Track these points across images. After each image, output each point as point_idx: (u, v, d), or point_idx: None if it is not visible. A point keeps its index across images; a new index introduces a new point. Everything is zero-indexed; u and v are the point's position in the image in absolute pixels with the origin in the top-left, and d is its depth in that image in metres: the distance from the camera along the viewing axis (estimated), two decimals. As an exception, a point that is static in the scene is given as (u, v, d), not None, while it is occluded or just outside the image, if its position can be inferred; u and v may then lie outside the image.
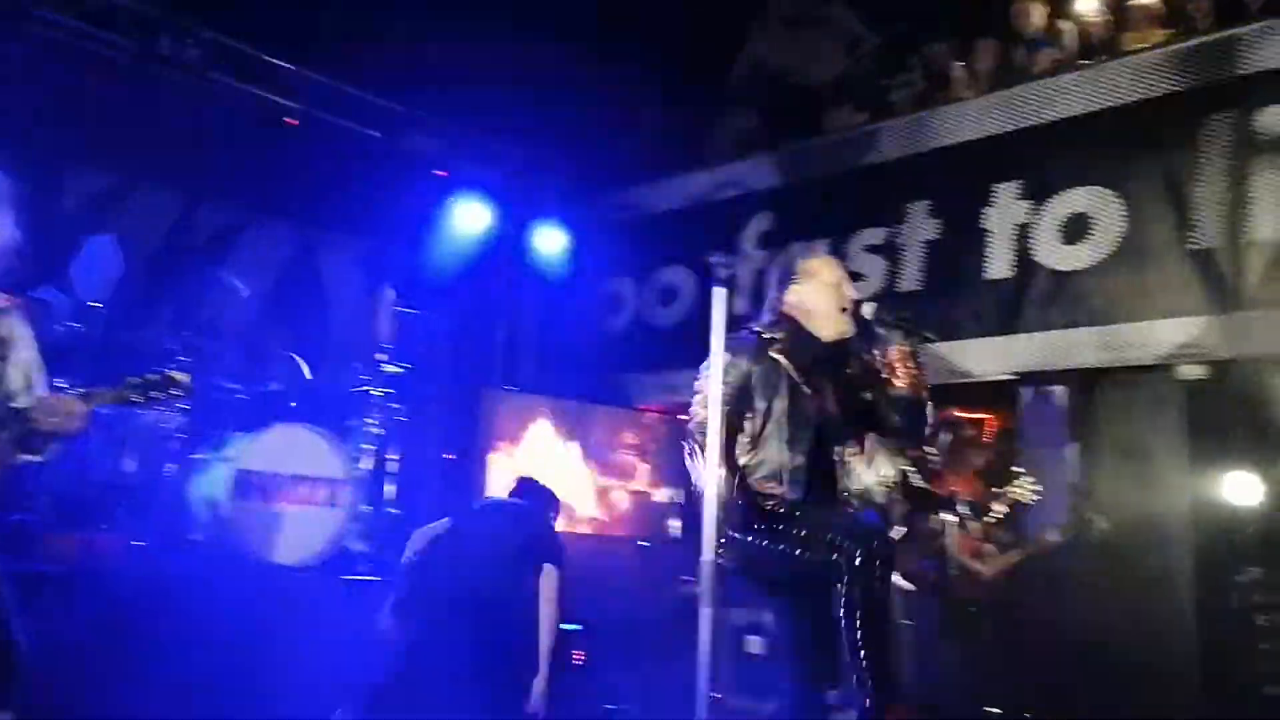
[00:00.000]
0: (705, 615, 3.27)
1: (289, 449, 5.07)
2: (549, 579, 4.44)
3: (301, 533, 5.04)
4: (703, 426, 3.09)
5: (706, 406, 3.07)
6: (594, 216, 7.31)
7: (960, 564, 4.79)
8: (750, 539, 3.20)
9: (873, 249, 5.95)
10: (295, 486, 5.05)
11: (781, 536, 3.16)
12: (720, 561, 2.93)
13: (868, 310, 3.31)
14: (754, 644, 5.27)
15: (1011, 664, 5.12)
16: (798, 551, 3.14)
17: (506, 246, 7.24)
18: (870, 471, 4.59)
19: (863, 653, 2.99)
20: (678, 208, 6.99)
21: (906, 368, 3.25)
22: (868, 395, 3.36)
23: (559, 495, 5.12)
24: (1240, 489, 4.83)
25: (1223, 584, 4.89)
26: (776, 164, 6.57)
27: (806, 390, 3.27)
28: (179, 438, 5.00)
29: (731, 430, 3.21)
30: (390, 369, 5.69)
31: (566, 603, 5.96)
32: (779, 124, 7.22)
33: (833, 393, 3.33)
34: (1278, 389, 4.72)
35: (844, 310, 3.33)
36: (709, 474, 3.41)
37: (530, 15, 6.91)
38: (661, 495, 6.76)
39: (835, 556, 3.06)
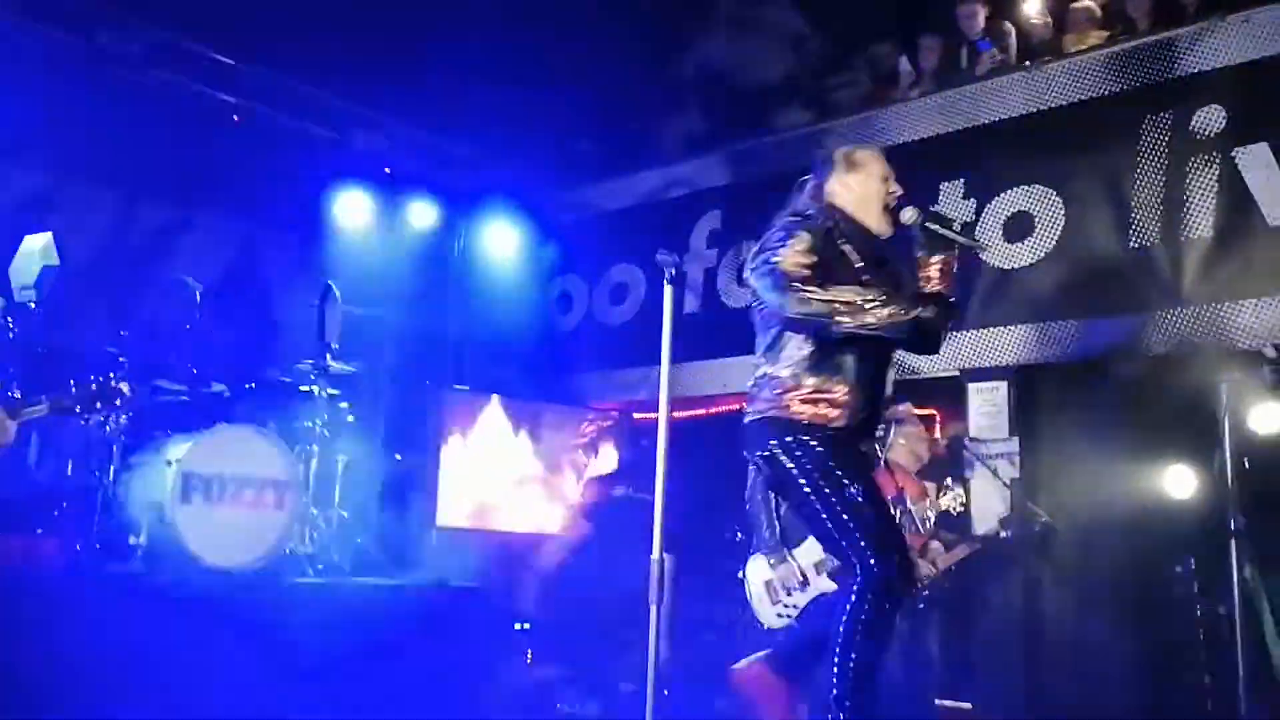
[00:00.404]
0: (654, 611, 3.30)
1: (233, 451, 4.98)
2: None
3: (247, 536, 4.95)
4: (800, 273, 2.92)
5: (802, 252, 2.94)
6: (544, 215, 7.30)
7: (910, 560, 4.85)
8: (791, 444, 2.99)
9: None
10: (240, 489, 4.97)
11: (818, 468, 2.95)
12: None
13: (909, 215, 3.16)
14: (704, 639, 5.29)
15: (959, 658, 5.20)
16: (822, 504, 2.95)
17: (456, 245, 7.20)
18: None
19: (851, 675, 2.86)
20: (628, 206, 7.00)
21: (945, 274, 3.16)
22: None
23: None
24: (1176, 481, 4.94)
25: (1162, 575, 5.00)
26: (725, 163, 6.61)
27: (868, 280, 3.06)
28: (120, 440, 4.89)
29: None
30: (337, 368, 5.62)
31: (516, 601, 5.96)
32: (727, 123, 7.26)
33: (887, 285, 3.12)
34: (1211, 383, 4.84)
35: (888, 208, 3.18)
36: (659, 468, 3.43)
37: (479, 14, 6.88)
38: (612, 494, 6.76)
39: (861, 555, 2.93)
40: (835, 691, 2.84)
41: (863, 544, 2.88)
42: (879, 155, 3.26)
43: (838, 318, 2.93)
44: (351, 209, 6.76)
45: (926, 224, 3.13)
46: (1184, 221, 4.82)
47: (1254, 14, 4.73)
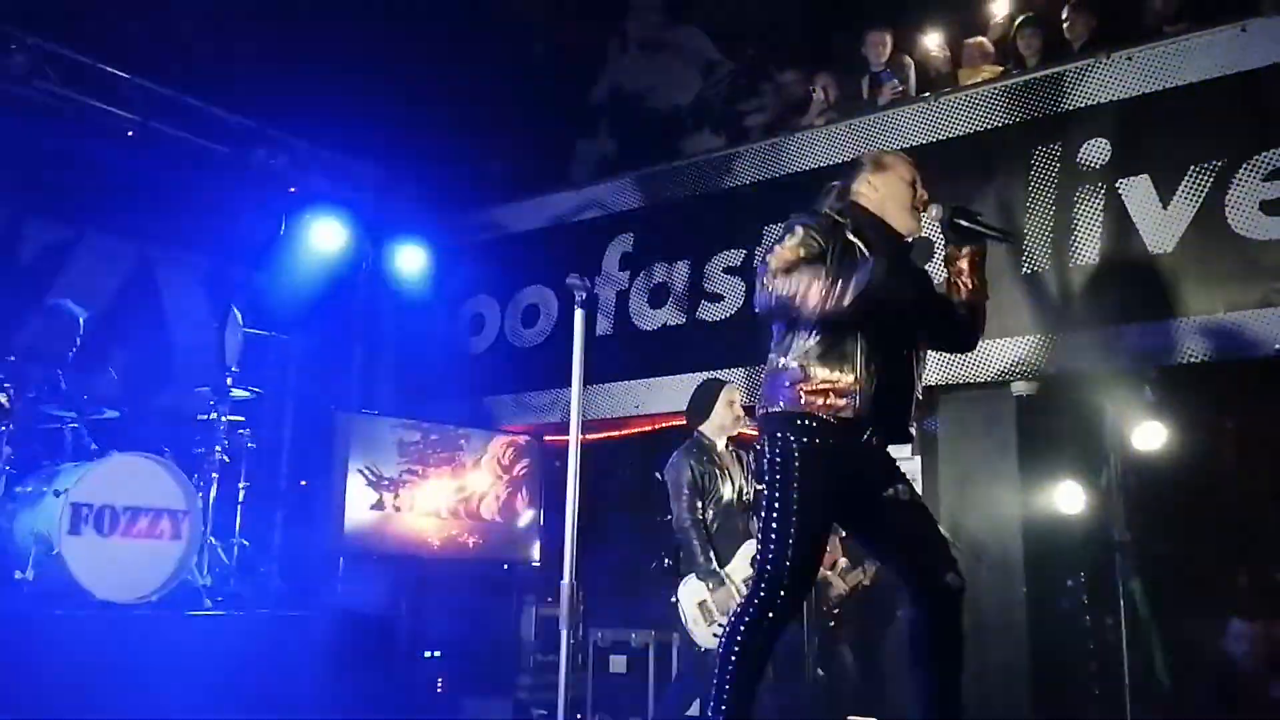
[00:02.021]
0: (565, 636, 3.29)
1: (126, 479, 4.81)
2: None
3: (141, 568, 4.78)
4: (781, 265, 2.89)
5: (793, 246, 2.91)
6: (455, 236, 7.24)
7: (820, 578, 4.94)
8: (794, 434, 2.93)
9: (731, 270, 6.10)
10: (134, 519, 4.79)
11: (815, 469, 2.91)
12: None
13: (934, 212, 3.15)
14: (618, 664, 5.29)
15: (870, 673, 5.31)
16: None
17: (364, 266, 7.08)
18: (729, 486, 4.67)
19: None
20: (540, 228, 7.00)
21: (975, 268, 3.15)
22: (937, 293, 3.19)
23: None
24: (1067, 498, 5.15)
25: (1052, 588, 5.20)
26: (636, 186, 6.66)
27: (883, 275, 2.96)
28: (4, 471, 4.66)
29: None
30: (238, 393, 5.47)
31: (427, 629, 5.87)
32: (638, 147, 7.33)
33: (910, 287, 3.10)
34: (1098, 403, 5.07)
35: (915, 209, 3.15)
36: (570, 493, 3.42)
37: (389, 32, 6.82)
38: (524, 518, 6.72)
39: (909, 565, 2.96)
40: (716, 682, 2.92)
41: (782, 567, 2.89)
42: (907, 160, 3.26)
43: (798, 302, 2.90)
44: (253, 229, 6.59)
45: (954, 219, 3.15)
46: (1072, 248, 5.03)
47: (1135, 52, 4.99)
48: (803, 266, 2.92)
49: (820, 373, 2.95)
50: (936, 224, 3.24)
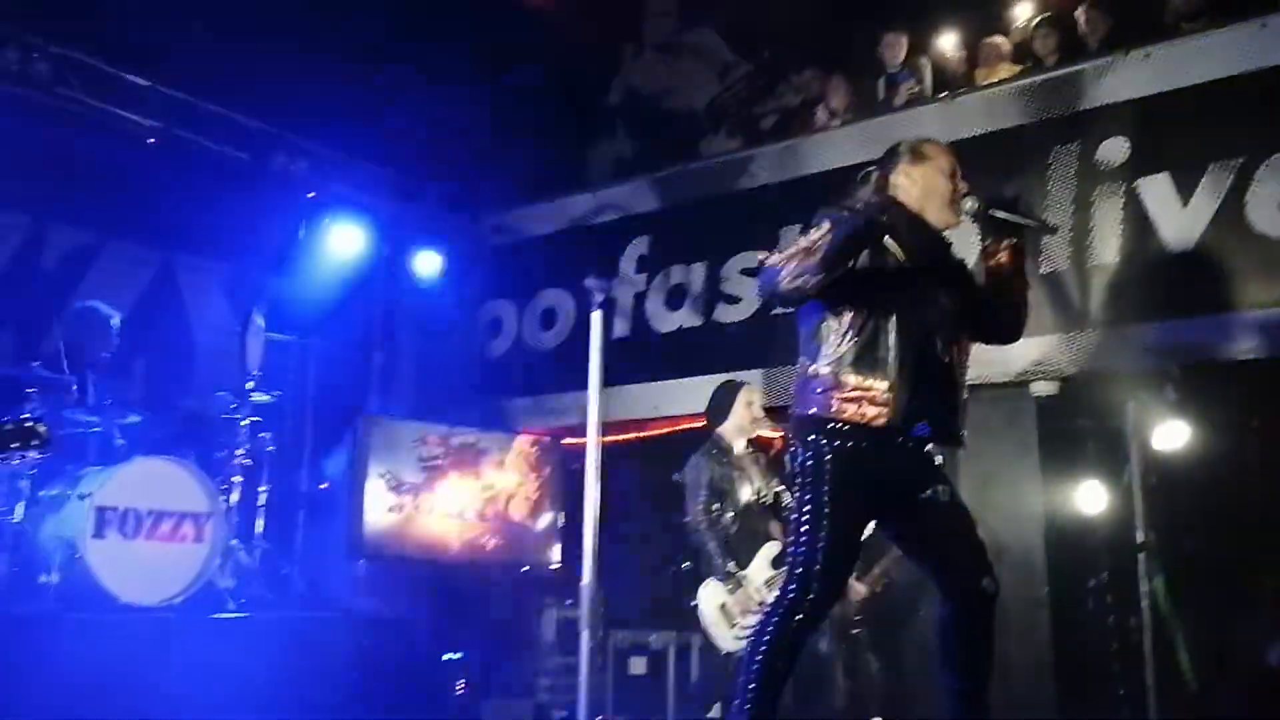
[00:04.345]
0: (585, 638, 3.30)
1: (150, 483, 4.84)
2: None
3: (164, 571, 4.81)
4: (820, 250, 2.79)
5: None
6: (472, 239, 7.27)
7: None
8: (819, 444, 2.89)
9: (749, 272, 6.10)
10: (157, 522, 4.82)
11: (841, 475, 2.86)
12: None
13: (969, 205, 3.07)
14: (638, 665, 5.30)
15: (896, 676, 5.29)
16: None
17: (383, 270, 7.12)
18: (748, 488, 4.67)
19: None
20: (557, 230, 7.01)
21: (1014, 259, 3.07)
22: (978, 287, 3.10)
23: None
24: (1089, 498, 5.13)
25: (1075, 589, 5.17)
26: (653, 188, 6.67)
27: (917, 276, 2.95)
28: (29, 475, 4.71)
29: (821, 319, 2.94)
30: (259, 397, 5.50)
31: (447, 631, 5.89)
32: (655, 149, 7.34)
33: (945, 286, 3.02)
34: (1120, 403, 5.04)
35: (953, 202, 3.06)
36: (589, 495, 3.43)
37: (406, 37, 6.85)
38: (544, 521, 6.74)
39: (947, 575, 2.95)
40: (741, 682, 2.90)
41: (812, 571, 2.87)
42: (946, 150, 3.16)
43: (798, 279, 2.82)
44: (273, 234, 6.64)
45: (991, 212, 3.07)
46: (1091, 248, 5.01)
47: (1154, 50, 4.96)
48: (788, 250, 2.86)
49: (853, 379, 2.88)
50: (971, 217, 3.14)
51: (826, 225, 2.87)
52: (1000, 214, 3.09)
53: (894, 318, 2.89)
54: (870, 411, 2.87)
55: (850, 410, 2.89)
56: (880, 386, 2.87)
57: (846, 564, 3.01)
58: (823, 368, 2.94)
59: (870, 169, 3.21)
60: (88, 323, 5.22)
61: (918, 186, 3.07)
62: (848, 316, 2.92)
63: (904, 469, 2.98)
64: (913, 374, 2.88)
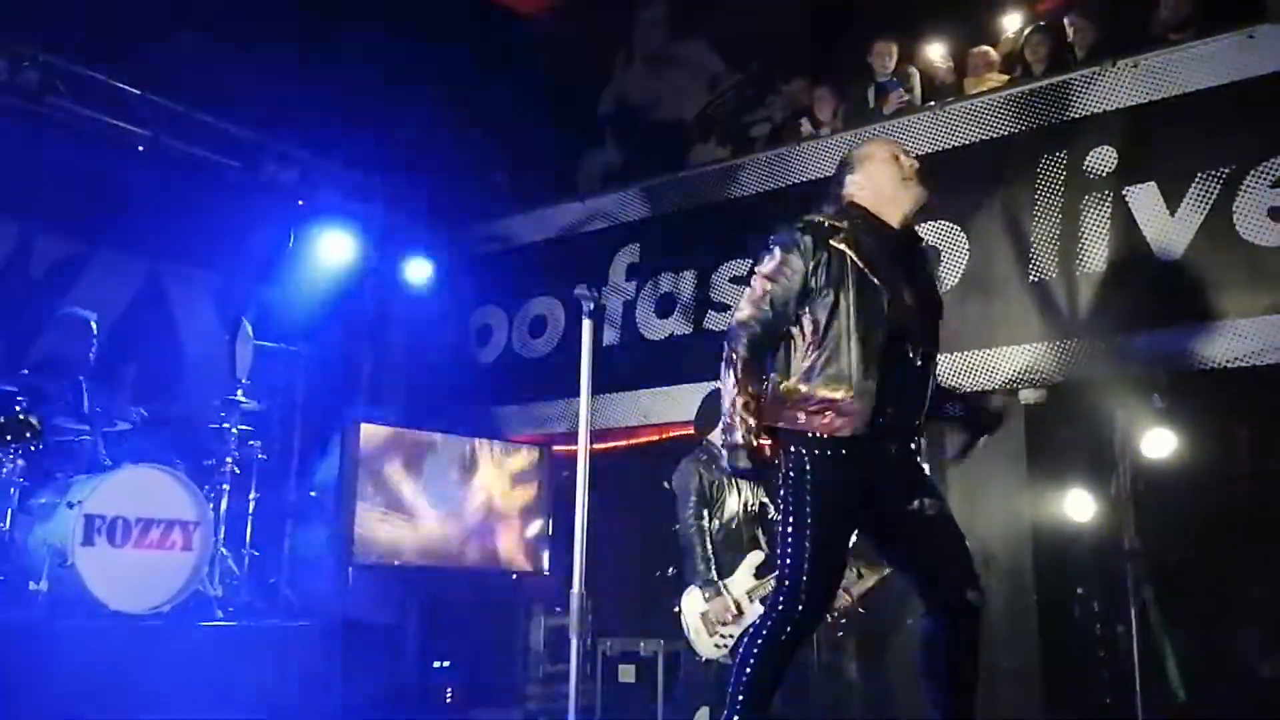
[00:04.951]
0: (574, 645, 3.30)
1: (139, 491, 4.84)
2: None
3: (153, 579, 4.81)
4: (751, 326, 2.95)
5: (765, 305, 2.93)
6: (462, 247, 7.27)
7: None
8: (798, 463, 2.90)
9: (737, 280, 6.11)
10: (146, 530, 4.82)
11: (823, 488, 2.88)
12: None
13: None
14: (626, 673, 5.29)
15: (877, 683, 5.30)
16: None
17: (372, 278, 7.11)
18: (736, 496, 4.67)
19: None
20: (547, 239, 7.02)
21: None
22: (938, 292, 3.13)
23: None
24: (1077, 506, 5.14)
25: (1063, 597, 5.18)
26: (643, 197, 6.69)
27: (875, 282, 2.94)
28: (18, 483, 4.70)
29: (780, 337, 3.00)
30: (248, 405, 5.50)
31: (436, 638, 5.88)
32: (644, 158, 7.36)
33: (908, 287, 3.02)
34: (1107, 411, 5.06)
35: (906, 182, 3.08)
36: (579, 502, 3.43)
37: (397, 44, 6.87)
38: (533, 528, 6.73)
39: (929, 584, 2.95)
40: (731, 690, 2.91)
41: (800, 580, 2.87)
42: (885, 140, 3.26)
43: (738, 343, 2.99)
44: (263, 242, 6.64)
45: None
46: (1079, 256, 5.04)
47: (1141, 60, 4.99)
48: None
49: (819, 391, 2.92)
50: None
51: (777, 255, 2.98)
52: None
53: (856, 327, 2.92)
54: (837, 422, 2.89)
55: (817, 422, 2.91)
56: (844, 397, 2.89)
57: (834, 573, 3.02)
58: (789, 382, 2.98)
59: (832, 187, 3.23)
60: (68, 328, 5.22)
61: (869, 188, 3.10)
62: (809, 330, 2.96)
63: (887, 476, 2.98)
64: (879, 381, 2.90)
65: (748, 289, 3.04)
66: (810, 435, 2.92)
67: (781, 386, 3.00)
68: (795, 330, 2.99)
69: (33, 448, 4.56)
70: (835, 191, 3.17)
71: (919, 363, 3.00)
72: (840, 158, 3.25)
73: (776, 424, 2.99)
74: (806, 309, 2.96)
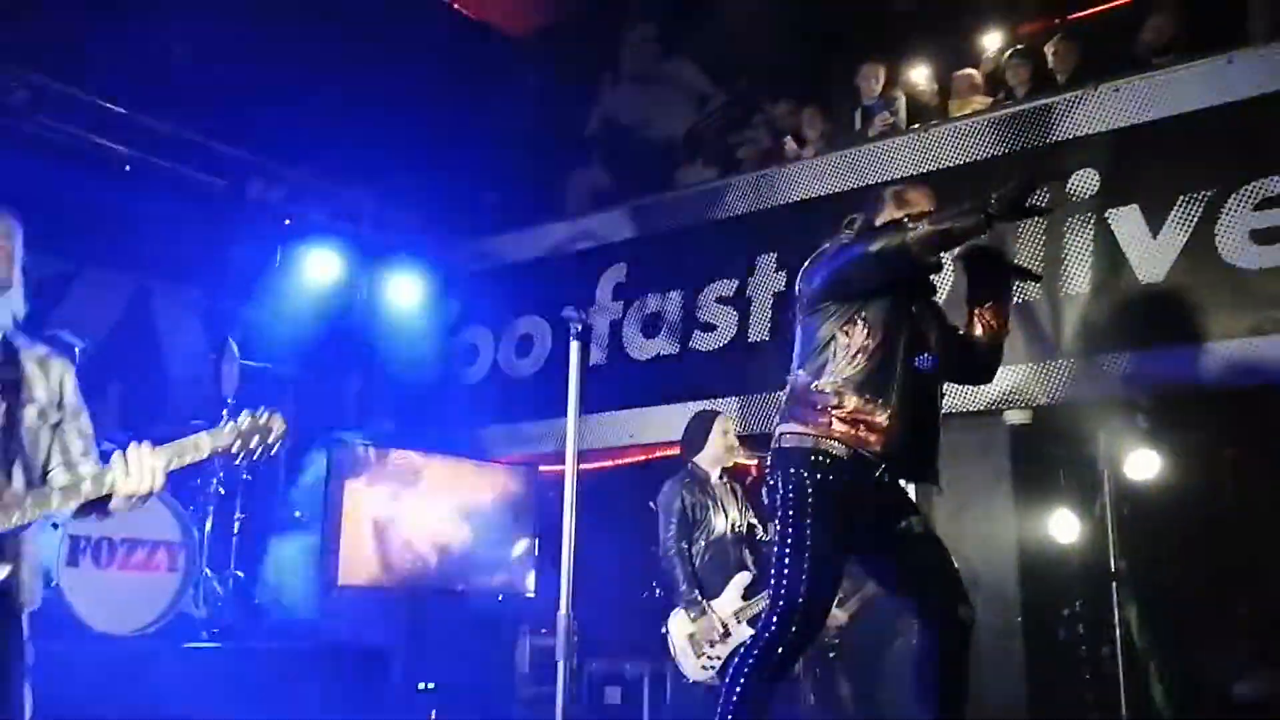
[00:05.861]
0: (561, 667, 3.28)
1: (123, 511, 4.80)
2: None
3: (138, 600, 4.77)
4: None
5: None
6: (449, 266, 7.27)
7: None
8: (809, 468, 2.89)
9: (724, 300, 6.13)
10: (130, 551, 4.79)
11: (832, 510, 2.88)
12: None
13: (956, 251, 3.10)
14: (612, 695, 5.26)
15: (866, 701, 5.29)
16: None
17: (360, 296, 7.10)
18: (723, 517, 4.66)
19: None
20: (534, 258, 7.03)
21: (998, 310, 3.10)
22: (956, 327, 3.15)
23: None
24: (1062, 527, 5.16)
25: (1048, 618, 5.19)
26: (630, 217, 6.70)
27: (907, 305, 3.01)
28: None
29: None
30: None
31: (421, 660, 5.84)
32: (632, 178, 7.38)
33: (929, 316, 3.10)
34: (1092, 432, 5.08)
35: None
36: (565, 523, 3.42)
37: (384, 63, 6.88)
38: (519, 548, 6.70)
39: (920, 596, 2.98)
40: (721, 711, 2.92)
41: (793, 605, 2.88)
42: (928, 192, 3.21)
43: (927, 246, 2.91)
44: (249, 260, 6.62)
45: (974, 262, 3.12)
46: (1062, 278, 5.07)
47: (1123, 84, 5.05)
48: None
49: (854, 401, 2.89)
50: (964, 263, 3.19)
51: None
52: (983, 265, 3.15)
53: (903, 349, 2.93)
54: (868, 437, 2.88)
55: (844, 431, 2.89)
56: (880, 415, 2.89)
57: (828, 596, 3.03)
58: (825, 384, 2.95)
59: (854, 215, 3.24)
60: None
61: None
62: (860, 337, 2.94)
63: (881, 501, 3.00)
64: (909, 409, 2.91)
65: (876, 242, 2.96)
66: (818, 458, 2.90)
67: (814, 385, 2.97)
68: (841, 333, 2.97)
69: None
70: (864, 222, 3.19)
71: (936, 396, 3.07)
72: (880, 193, 3.26)
73: (798, 425, 2.96)
74: (864, 314, 2.95)
